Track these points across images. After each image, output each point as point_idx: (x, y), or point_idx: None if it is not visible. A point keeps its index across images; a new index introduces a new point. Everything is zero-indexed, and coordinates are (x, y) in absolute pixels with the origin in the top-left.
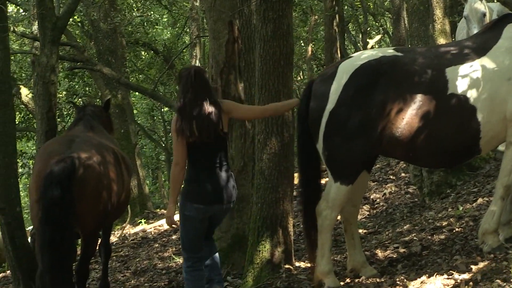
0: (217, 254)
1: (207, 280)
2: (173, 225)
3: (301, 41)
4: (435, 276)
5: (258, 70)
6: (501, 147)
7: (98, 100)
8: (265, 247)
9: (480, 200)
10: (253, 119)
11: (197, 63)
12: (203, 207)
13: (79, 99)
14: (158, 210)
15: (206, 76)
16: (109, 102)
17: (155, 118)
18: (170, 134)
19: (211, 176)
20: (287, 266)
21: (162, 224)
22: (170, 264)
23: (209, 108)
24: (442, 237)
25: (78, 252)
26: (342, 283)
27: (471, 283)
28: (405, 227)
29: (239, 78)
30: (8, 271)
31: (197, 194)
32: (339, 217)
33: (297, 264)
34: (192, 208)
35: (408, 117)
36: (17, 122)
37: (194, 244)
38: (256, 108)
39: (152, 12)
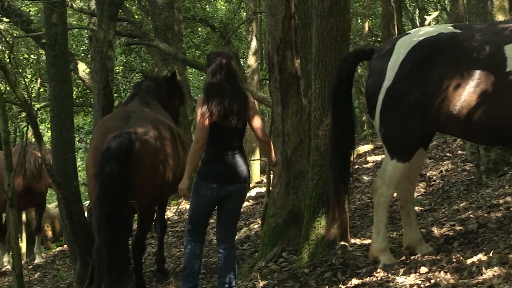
0: (233, 257)
1: (219, 271)
2: (185, 197)
3: (358, 17)
4: (492, 254)
5: (315, 47)
6: None
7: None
8: (320, 224)
9: None
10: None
11: (254, 39)
12: (217, 187)
13: (135, 75)
14: None
15: (234, 63)
16: (175, 74)
17: None
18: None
19: (228, 158)
20: (342, 242)
21: None
22: None
23: (236, 95)
24: (499, 215)
25: (134, 227)
26: (397, 260)
27: None
28: (461, 205)
29: (296, 54)
30: (65, 246)
31: (212, 174)
32: (395, 194)
33: (352, 241)
34: (207, 187)
35: (466, 95)
36: (74, 97)
37: (201, 219)
38: (258, 128)
39: None
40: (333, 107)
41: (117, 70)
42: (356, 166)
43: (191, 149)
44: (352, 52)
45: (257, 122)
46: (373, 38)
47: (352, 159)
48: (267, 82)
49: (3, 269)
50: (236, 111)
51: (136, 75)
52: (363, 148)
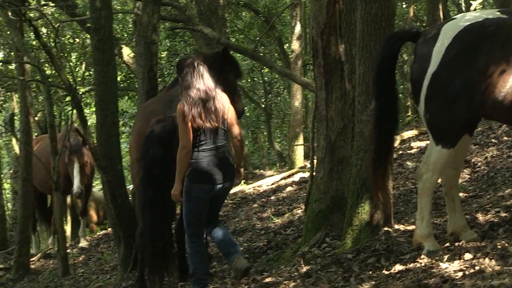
0: (226, 230)
1: (225, 255)
2: (178, 201)
3: (403, 2)
4: None
5: (359, 31)
6: None
7: None
8: (364, 209)
9: None
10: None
11: (298, 24)
12: (209, 187)
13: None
14: (257, 170)
15: (204, 65)
16: (226, 49)
17: (255, 79)
18: (269, 95)
19: (215, 157)
20: (386, 228)
21: (261, 185)
22: (269, 225)
23: (216, 97)
24: None
25: (178, 211)
26: (441, 247)
27: None
28: (506, 191)
29: (340, 39)
30: (110, 229)
31: (202, 175)
32: (439, 180)
33: (396, 226)
34: (198, 189)
35: None
36: (118, 81)
37: (198, 221)
38: (233, 127)
39: None
40: (375, 85)
41: (161, 55)
42: (400, 152)
43: (178, 155)
44: (397, 32)
45: (232, 118)
46: (418, 23)
47: (395, 144)
48: (311, 67)
49: (48, 252)
50: (213, 111)
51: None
52: (407, 134)
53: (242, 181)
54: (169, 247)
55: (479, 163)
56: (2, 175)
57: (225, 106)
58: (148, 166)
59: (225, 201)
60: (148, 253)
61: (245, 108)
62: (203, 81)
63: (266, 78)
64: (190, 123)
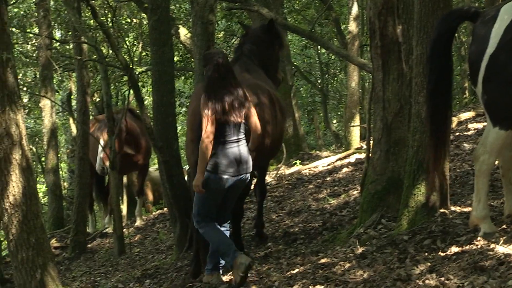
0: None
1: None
2: (200, 192)
3: None
4: None
5: (417, 12)
6: None
7: None
8: (420, 191)
9: None
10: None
11: (355, 4)
12: (227, 178)
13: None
14: (313, 151)
15: (229, 61)
16: (273, 21)
17: (311, 59)
18: (325, 76)
19: (234, 150)
20: (442, 210)
21: (317, 166)
22: (325, 206)
23: (238, 92)
24: None
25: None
26: (498, 229)
27: None
28: None
29: (397, 20)
30: (165, 209)
31: (221, 166)
32: (496, 162)
33: (452, 208)
34: (216, 180)
35: None
36: (175, 62)
37: (210, 212)
38: (252, 120)
39: None
40: (430, 61)
41: (218, 35)
42: (457, 134)
43: (200, 146)
44: (456, 10)
45: (253, 115)
46: (476, 4)
47: (452, 125)
48: (368, 48)
49: (105, 231)
50: (237, 107)
51: (238, 40)
52: (464, 115)
53: (298, 162)
54: (234, 231)
55: None
56: (59, 154)
57: (247, 101)
58: None
59: (281, 182)
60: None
61: (301, 87)
62: (227, 77)
63: (322, 59)
64: (213, 117)
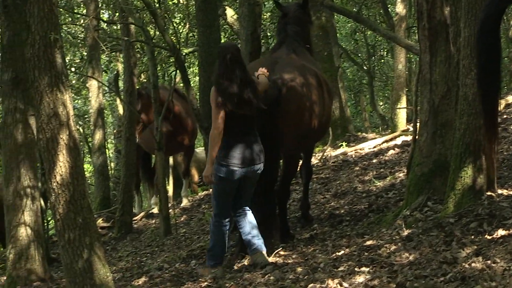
0: (254, 222)
1: (248, 246)
2: (210, 183)
3: None
4: None
5: None
6: None
7: None
8: (467, 173)
9: None
10: None
11: None
12: (239, 170)
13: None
14: (359, 133)
15: (241, 54)
16: (307, 0)
17: (358, 41)
18: (372, 58)
19: (244, 141)
20: (489, 193)
21: (363, 148)
22: (371, 188)
23: (245, 84)
24: None
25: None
26: None
27: None
28: None
29: (445, 2)
30: (211, 190)
31: (232, 157)
32: None
33: (499, 191)
34: (227, 171)
35: None
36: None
37: (226, 203)
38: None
39: None
40: (478, 42)
41: (265, 16)
42: (504, 116)
43: (210, 137)
44: None
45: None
46: None
47: (500, 108)
48: (415, 29)
49: (151, 211)
50: (247, 100)
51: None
52: (511, 98)
53: (344, 144)
54: (272, 210)
55: None
56: (106, 135)
57: (257, 93)
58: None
59: (327, 164)
60: (260, 217)
61: (347, 69)
62: (238, 71)
63: (369, 41)
64: (222, 109)
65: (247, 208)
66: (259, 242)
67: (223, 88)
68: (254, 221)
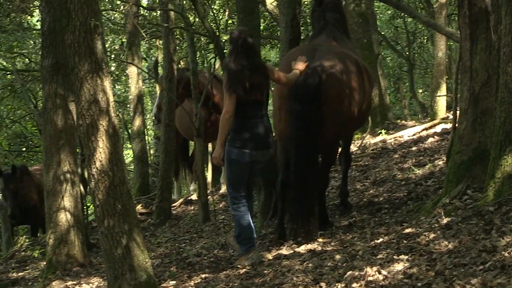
0: (252, 200)
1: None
2: (219, 165)
3: None
4: None
5: None
6: None
7: None
8: (507, 162)
9: None
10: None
11: None
12: (249, 152)
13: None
14: (398, 121)
15: (253, 40)
16: None
17: (398, 28)
18: (412, 45)
19: (254, 125)
20: None
21: (402, 135)
22: (410, 176)
23: (259, 71)
24: None
25: None
26: None
27: None
28: None
29: None
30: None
31: (242, 140)
32: None
33: None
34: (237, 153)
35: None
36: (261, 30)
37: (239, 184)
38: (283, 77)
39: None
40: None
41: (305, 2)
42: None
43: (221, 119)
44: None
45: (277, 76)
46: None
47: None
48: (456, 17)
49: (190, 198)
50: (257, 85)
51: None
52: None
53: (383, 131)
54: (311, 198)
55: None
56: (145, 121)
57: (268, 80)
58: (292, 121)
59: (366, 151)
60: (291, 203)
61: (387, 56)
62: (248, 57)
63: (409, 28)
64: (233, 94)
65: (251, 203)
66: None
67: (234, 73)
68: (252, 211)
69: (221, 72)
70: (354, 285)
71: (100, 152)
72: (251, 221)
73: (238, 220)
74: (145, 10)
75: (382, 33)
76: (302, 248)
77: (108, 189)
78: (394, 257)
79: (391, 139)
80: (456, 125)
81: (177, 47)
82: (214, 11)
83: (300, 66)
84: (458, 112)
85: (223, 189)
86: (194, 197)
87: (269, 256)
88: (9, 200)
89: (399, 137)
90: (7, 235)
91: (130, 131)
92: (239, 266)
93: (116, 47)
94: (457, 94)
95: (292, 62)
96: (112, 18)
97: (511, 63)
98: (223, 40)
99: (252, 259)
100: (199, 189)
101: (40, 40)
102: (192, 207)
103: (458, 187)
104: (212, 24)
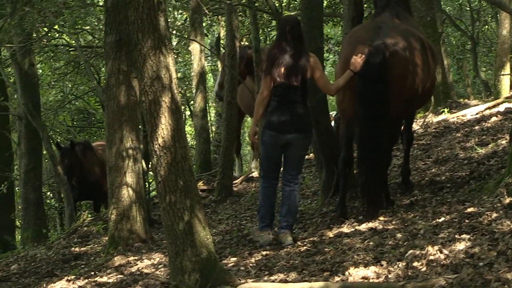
0: (294, 200)
1: (281, 208)
2: (253, 142)
3: None
4: None
5: None
6: None
7: None
8: None
9: None
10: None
11: None
12: (275, 134)
13: None
14: (461, 99)
15: (301, 28)
16: None
17: (462, 6)
18: (476, 23)
19: (286, 110)
20: None
21: (465, 114)
22: (472, 155)
23: (298, 58)
24: None
25: None
26: None
27: None
28: None
29: None
30: (312, 154)
31: (272, 123)
32: None
33: None
34: (267, 134)
35: None
36: (324, 7)
37: (269, 165)
38: (322, 81)
39: None
40: None
41: None
42: None
43: (256, 99)
44: None
45: (321, 79)
46: None
47: None
48: None
49: (251, 175)
50: (295, 72)
51: None
52: None
53: (446, 110)
54: (375, 176)
55: None
56: (207, 98)
57: (306, 68)
58: (356, 100)
59: (428, 130)
60: (363, 183)
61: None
62: (291, 44)
63: (473, 6)
64: (269, 77)
65: (293, 184)
66: (286, 224)
67: (271, 57)
68: (292, 203)
69: None
70: (415, 264)
71: (163, 129)
72: (270, 203)
73: (261, 197)
74: None
75: (446, 10)
76: (363, 226)
77: (170, 165)
78: (456, 236)
79: (453, 117)
80: None
81: (240, 24)
82: None
83: (357, 64)
84: None
85: (255, 173)
86: (255, 174)
87: (330, 234)
88: (65, 175)
89: (462, 116)
90: (70, 210)
91: (192, 108)
92: (253, 236)
93: (179, 24)
94: None
95: (352, 59)
96: None
97: None
98: None
99: (261, 238)
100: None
101: (104, 16)
102: (253, 184)
103: None
104: (275, 1)
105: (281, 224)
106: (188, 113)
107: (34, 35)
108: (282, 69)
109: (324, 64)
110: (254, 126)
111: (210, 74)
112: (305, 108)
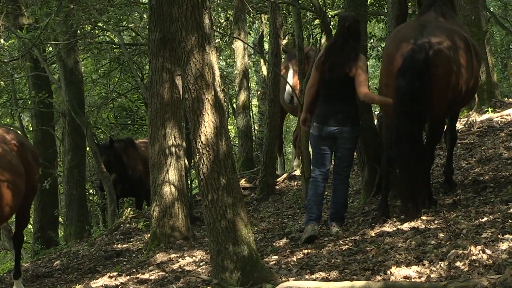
0: (342, 193)
1: (331, 202)
2: (306, 127)
3: None
4: None
5: None
6: None
7: None
8: None
9: None
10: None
11: None
12: (319, 126)
13: None
14: (506, 99)
15: (359, 27)
16: None
17: (507, 5)
18: None
19: (331, 104)
20: None
21: (509, 114)
22: None
23: (349, 55)
24: None
25: None
26: None
27: None
28: None
29: None
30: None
31: (317, 115)
32: None
33: None
34: (313, 126)
35: None
36: (368, 5)
37: (316, 158)
38: (361, 85)
39: None
40: None
41: None
42: None
43: (305, 89)
44: None
45: (359, 78)
46: None
47: None
48: None
49: (293, 173)
50: (343, 67)
51: None
52: None
53: (490, 109)
54: (423, 177)
55: None
56: (250, 96)
57: (353, 65)
58: (397, 97)
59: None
60: (403, 181)
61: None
62: (346, 41)
63: None
64: (318, 70)
65: (341, 177)
66: (334, 217)
67: (326, 51)
68: (340, 196)
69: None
70: (458, 263)
71: (205, 126)
72: (317, 196)
73: (310, 190)
74: None
75: (491, 9)
76: (405, 226)
77: (212, 163)
78: (499, 236)
79: (497, 117)
80: None
81: (283, 22)
82: None
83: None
84: None
85: (297, 172)
86: (297, 172)
87: (372, 233)
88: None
89: (506, 115)
90: (113, 207)
91: (234, 106)
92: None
93: (222, 21)
94: None
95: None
96: None
97: None
98: (330, 16)
99: (307, 231)
100: (302, 164)
101: (148, 14)
102: (295, 183)
103: None
104: None
105: (330, 216)
106: (231, 111)
107: (79, 32)
108: (332, 64)
109: (368, 60)
110: (304, 113)
111: (253, 72)
112: (352, 103)
